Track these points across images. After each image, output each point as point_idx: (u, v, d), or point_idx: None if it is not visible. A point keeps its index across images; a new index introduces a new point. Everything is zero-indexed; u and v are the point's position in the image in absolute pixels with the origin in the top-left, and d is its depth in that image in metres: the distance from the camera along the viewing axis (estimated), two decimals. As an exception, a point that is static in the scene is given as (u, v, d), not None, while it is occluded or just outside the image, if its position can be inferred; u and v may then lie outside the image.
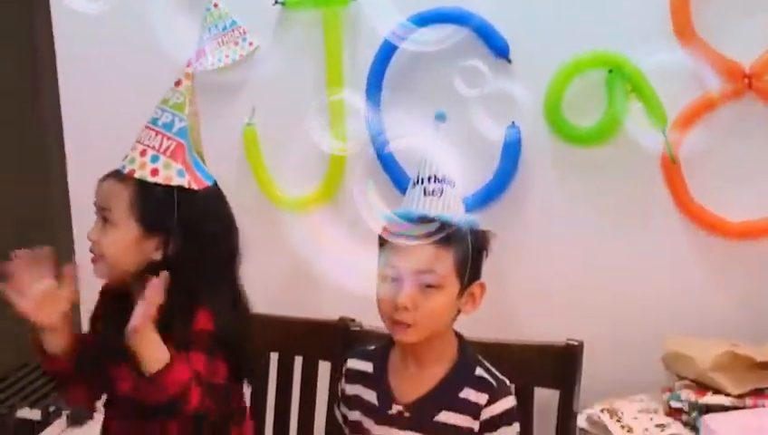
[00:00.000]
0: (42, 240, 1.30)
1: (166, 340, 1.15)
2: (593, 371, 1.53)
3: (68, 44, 2.15)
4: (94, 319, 1.37)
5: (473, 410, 1.17)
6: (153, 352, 1.12)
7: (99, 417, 2.22)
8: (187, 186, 1.23)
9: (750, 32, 1.70)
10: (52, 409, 2.33)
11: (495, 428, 1.17)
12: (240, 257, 1.32)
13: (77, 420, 2.28)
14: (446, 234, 1.15)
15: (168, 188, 1.22)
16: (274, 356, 1.66)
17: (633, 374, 1.69)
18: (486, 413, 1.17)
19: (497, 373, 1.22)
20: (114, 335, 1.18)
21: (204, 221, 1.26)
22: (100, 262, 1.24)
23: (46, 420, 2.31)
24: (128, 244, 1.22)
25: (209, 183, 1.28)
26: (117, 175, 1.24)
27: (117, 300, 1.29)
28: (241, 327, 1.27)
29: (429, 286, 1.16)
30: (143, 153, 1.23)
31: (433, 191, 1.19)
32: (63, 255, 1.36)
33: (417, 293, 1.15)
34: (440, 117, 1.24)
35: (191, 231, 1.24)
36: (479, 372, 1.20)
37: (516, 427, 1.20)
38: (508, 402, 1.18)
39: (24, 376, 2.96)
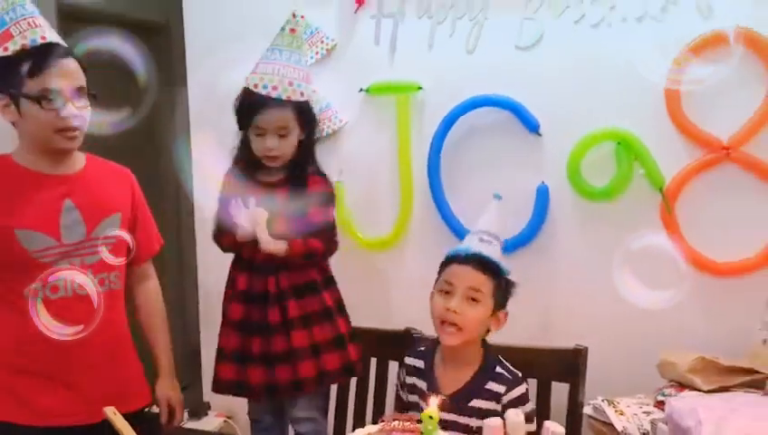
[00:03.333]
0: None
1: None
2: (604, 373, 2.00)
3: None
4: None
5: (496, 397, 1.66)
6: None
7: (213, 412, 2.82)
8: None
9: (728, 112, 2.17)
10: (175, 405, 2.91)
11: (512, 407, 1.64)
12: None
13: (195, 414, 2.85)
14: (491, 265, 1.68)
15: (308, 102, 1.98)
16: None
17: (637, 378, 2.12)
18: (505, 399, 1.65)
19: (512, 369, 1.71)
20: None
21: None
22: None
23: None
24: (294, 144, 1.95)
25: None
26: (275, 102, 1.90)
27: None
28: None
29: (473, 300, 1.66)
30: (290, 83, 1.91)
31: (487, 241, 1.72)
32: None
33: (465, 303, 1.66)
34: (497, 197, 1.81)
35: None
36: (499, 369, 1.69)
37: (529, 406, 1.67)
38: (520, 390, 1.66)
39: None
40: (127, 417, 1.58)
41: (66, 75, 1.66)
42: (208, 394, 2.95)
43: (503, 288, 1.71)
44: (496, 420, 1.19)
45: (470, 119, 2.41)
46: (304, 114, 1.95)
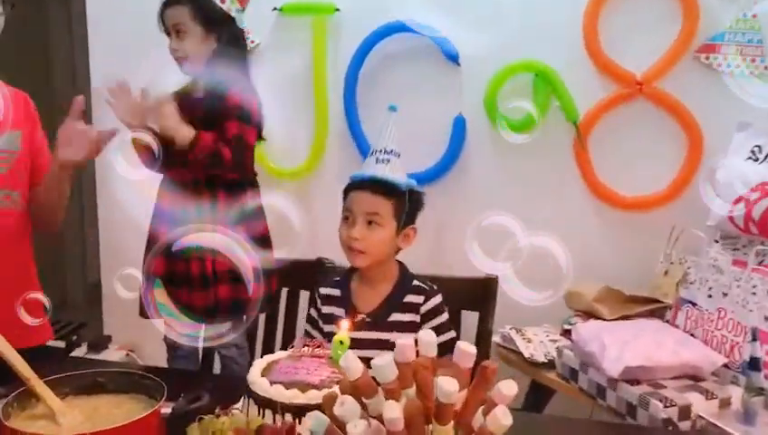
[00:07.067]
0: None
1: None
2: (511, 303, 2.01)
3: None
4: None
5: (414, 308, 1.65)
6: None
7: (114, 346, 2.72)
8: None
9: (642, 48, 2.20)
10: (74, 338, 2.79)
11: (431, 318, 1.63)
12: None
13: (94, 347, 2.74)
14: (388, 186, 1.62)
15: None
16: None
17: (544, 308, 2.15)
18: (423, 309, 1.64)
19: (428, 282, 1.70)
20: None
21: None
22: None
23: (69, 349, 2.76)
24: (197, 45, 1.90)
25: None
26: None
27: None
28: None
29: (374, 223, 1.63)
30: None
31: (383, 160, 1.66)
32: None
33: (365, 228, 1.62)
34: (392, 108, 1.71)
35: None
36: (416, 282, 1.68)
37: (445, 316, 1.66)
38: (437, 299, 1.65)
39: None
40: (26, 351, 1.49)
41: None
42: (109, 328, 2.85)
43: (404, 206, 1.67)
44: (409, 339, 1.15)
45: (388, 45, 2.34)
46: (203, 11, 1.90)
